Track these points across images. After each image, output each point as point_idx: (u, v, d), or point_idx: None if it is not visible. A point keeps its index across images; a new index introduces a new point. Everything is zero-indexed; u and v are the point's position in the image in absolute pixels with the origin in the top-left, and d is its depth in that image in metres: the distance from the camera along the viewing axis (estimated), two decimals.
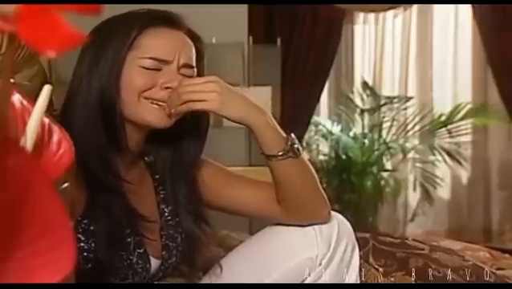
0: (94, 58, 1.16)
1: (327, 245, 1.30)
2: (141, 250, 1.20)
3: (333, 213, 1.35)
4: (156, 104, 1.17)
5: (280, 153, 1.23)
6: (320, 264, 1.30)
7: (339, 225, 1.33)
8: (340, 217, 1.36)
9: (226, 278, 1.34)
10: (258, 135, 1.22)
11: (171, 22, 1.20)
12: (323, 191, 1.30)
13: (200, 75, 1.24)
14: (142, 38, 1.16)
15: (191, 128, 1.27)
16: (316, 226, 1.30)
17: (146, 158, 1.31)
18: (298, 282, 1.31)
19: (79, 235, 1.11)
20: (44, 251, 0.31)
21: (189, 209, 1.29)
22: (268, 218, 1.35)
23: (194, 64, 1.22)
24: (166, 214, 1.29)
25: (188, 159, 1.29)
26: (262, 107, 1.23)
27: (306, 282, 1.31)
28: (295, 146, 1.24)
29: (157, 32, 1.18)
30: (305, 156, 1.29)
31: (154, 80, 1.16)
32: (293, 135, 1.26)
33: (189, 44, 1.22)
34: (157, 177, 1.31)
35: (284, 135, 1.24)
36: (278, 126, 1.25)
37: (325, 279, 1.31)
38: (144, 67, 1.15)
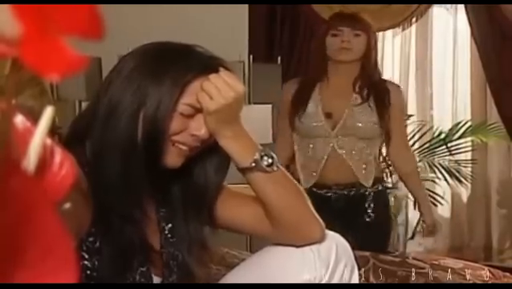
0: (143, 91, 1.13)
1: (325, 266, 1.28)
2: (144, 269, 1.20)
3: (331, 233, 1.34)
4: (177, 147, 1.17)
5: (247, 166, 1.22)
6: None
7: (338, 246, 1.31)
8: (339, 238, 1.35)
9: None
10: (223, 148, 1.22)
11: (214, 69, 1.18)
12: (312, 209, 1.28)
13: None
14: (191, 85, 1.16)
15: (211, 157, 1.26)
16: (314, 248, 1.29)
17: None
18: None
19: (83, 253, 1.11)
20: (46, 274, 0.31)
21: (193, 247, 1.29)
22: (262, 237, 1.34)
23: None
24: (166, 232, 1.29)
25: (206, 189, 1.28)
26: (232, 118, 1.20)
27: None
28: (264, 160, 1.22)
29: (203, 81, 1.16)
30: (285, 173, 1.28)
31: (185, 126, 1.16)
32: (268, 150, 1.25)
33: None
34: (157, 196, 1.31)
35: (254, 148, 1.23)
36: (249, 138, 1.24)
37: None
38: (181, 113, 1.15)
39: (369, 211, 2.35)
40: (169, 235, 1.28)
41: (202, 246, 1.30)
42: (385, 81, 2.45)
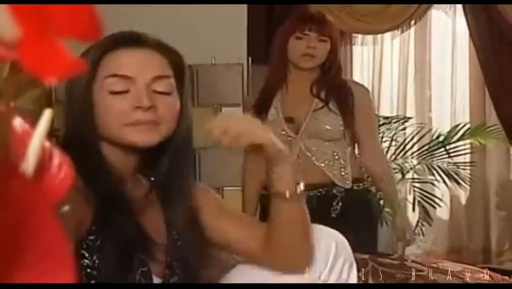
0: (69, 88, 1.24)
1: (324, 262, 1.30)
2: (145, 269, 1.20)
3: (331, 230, 1.36)
4: (133, 126, 1.17)
5: (288, 196, 1.26)
6: (319, 278, 1.30)
7: (337, 242, 1.33)
8: (338, 235, 1.36)
9: None
10: (279, 167, 1.26)
11: (131, 41, 1.21)
12: (311, 240, 1.30)
13: (181, 89, 1.25)
14: (104, 62, 1.18)
15: (179, 146, 1.26)
16: (314, 243, 1.30)
17: (152, 178, 1.31)
18: None
19: (83, 251, 1.11)
20: (44, 275, 0.31)
21: (199, 249, 1.29)
22: (247, 257, 1.34)
23: (168, 74, 1.22)
24: (174, 234, 1.29)
25: (179, 180, 1.28)
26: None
27: None
28: (298, 190, 1.27)
29: (116, 54, 1.19)
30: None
31: (124, 103, 1.17)
32: (300, 180, 1.28)
33: (156, 58, 1.22)
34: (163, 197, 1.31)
35: (295, 179, 1.28)
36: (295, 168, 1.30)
37: None
38: (111, 92, 1.17)
39: (336, 209, 2.28)
40: (176, 237, 1.28)
41: (207, 248, 1.31)
42: (348, 82, 2.39)
